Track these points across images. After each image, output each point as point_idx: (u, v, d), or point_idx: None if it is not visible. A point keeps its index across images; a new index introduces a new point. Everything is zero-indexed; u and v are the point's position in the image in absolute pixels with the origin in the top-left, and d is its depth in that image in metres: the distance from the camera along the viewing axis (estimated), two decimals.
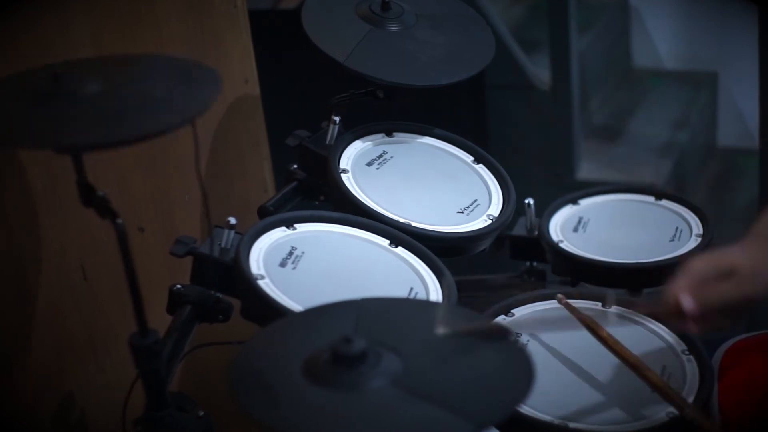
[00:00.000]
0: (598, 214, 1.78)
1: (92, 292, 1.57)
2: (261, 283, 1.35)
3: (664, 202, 1.78)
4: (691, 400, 1.35)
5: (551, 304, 1.53)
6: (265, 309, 1.32)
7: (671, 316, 1.28)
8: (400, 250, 1.49)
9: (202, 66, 1.27)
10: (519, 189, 1.68)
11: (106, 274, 1.54)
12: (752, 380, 1.42)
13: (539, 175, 3.11)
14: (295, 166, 1.68)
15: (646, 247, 1.67)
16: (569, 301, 1.49)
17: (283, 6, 2.79)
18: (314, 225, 1.49)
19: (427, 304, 1.34)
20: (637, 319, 1.51)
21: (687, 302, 1.25)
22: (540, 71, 3.20)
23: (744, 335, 1.50)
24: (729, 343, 1.49)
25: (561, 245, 1.69)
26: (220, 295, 1.44)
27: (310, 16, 1.64)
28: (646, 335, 1.48)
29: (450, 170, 1.69)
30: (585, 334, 1.46)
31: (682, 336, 1.46)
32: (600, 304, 1.54)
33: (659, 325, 1.49)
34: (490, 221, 1.61)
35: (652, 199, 1.80)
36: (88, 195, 1.19)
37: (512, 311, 1.53)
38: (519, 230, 1.80)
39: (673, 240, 1.69)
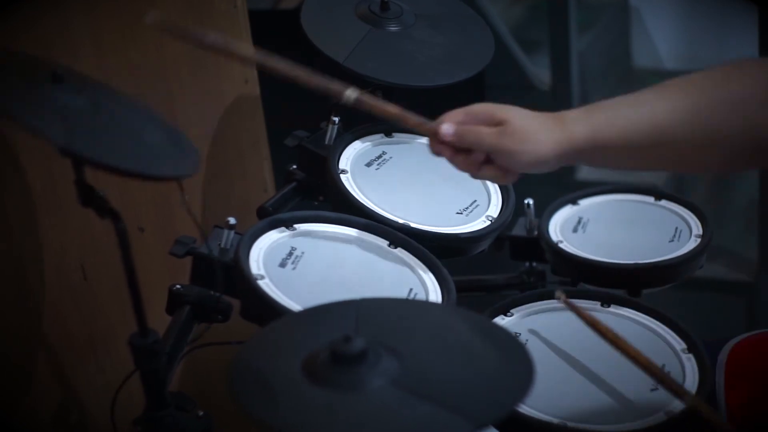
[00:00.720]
0: (598, 215, 1.77)
1: (92, 292, 1.57)
2: (261, 283, 1.35)
3: (664, 203, 1.78)
4: None
5: (550, 304, 1.53)
6: (265, 309, 1.32)
7: (432, 136, 1.33)
8: (399, 251, 1.49)
9: (184, 137, 1.28)
10: (519, 189, 1.67)
11: (106, 274, 1.54)
12: (758, 378, 1.42)
13: (539, 175, 3.09)
14: (294, 166, 1.68)
15: (645, 248, 1.67)
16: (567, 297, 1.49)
17: (283, 6, 2.78)
18: (314, 225, 1.49)
19: (426, 305, 1.34)
20: (636, 318, 1.51)
21: (446, 128, 1.30)
22: (540, 71, 3.20)
23: (749, 333, 1.50)
24: (734, 341, 1.49)
25: (560, 245, 1.69)
26: (219, 295, 1.44)
27: (310, 16, 1.64)
28: (645, 334, 1.48)
29: (449, 171, 1.66)
30: (584, 334, 1.45)
31: (682, 335, 1.46)
32: (599, 303, 1.54)
33: (659, 324, 1.49)
34: (489, 222, 1.61)
35: (651, 199, 1.79)
36: (87, 195, 1.19)
37: (511, 311, 1.53)
38: (519, 230, 1.80)
39: (672, 240, 1.69)
